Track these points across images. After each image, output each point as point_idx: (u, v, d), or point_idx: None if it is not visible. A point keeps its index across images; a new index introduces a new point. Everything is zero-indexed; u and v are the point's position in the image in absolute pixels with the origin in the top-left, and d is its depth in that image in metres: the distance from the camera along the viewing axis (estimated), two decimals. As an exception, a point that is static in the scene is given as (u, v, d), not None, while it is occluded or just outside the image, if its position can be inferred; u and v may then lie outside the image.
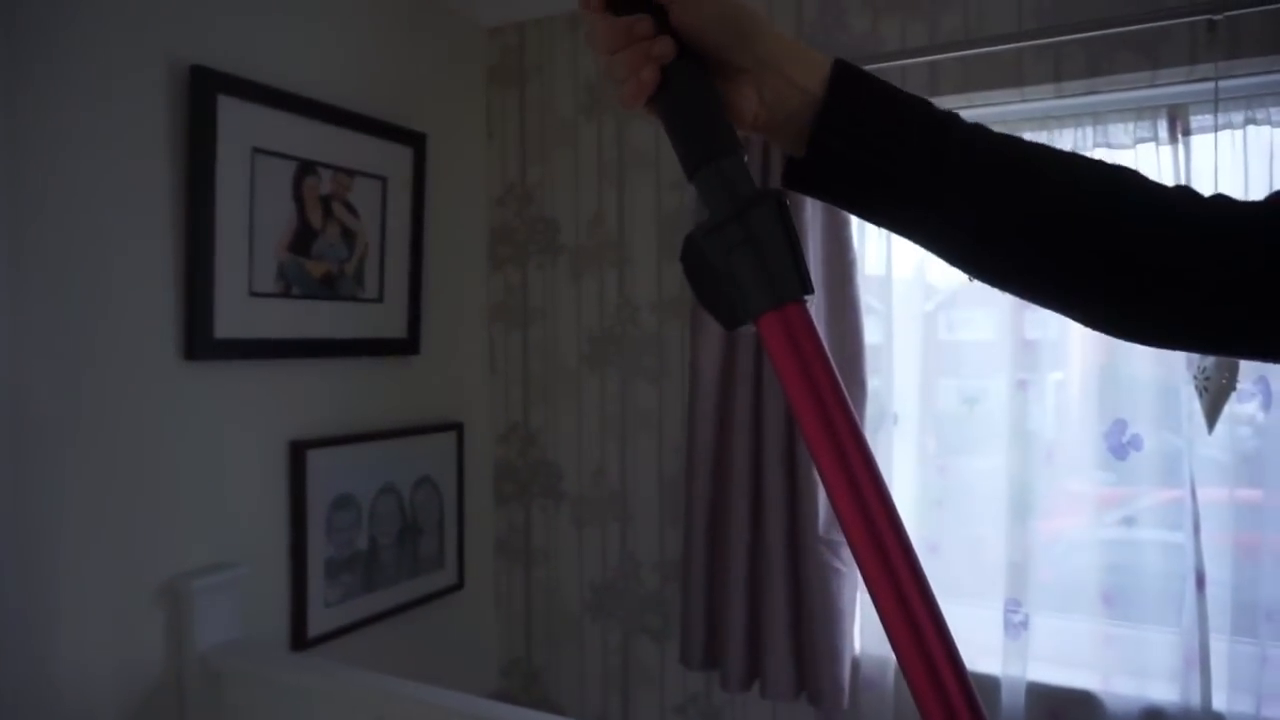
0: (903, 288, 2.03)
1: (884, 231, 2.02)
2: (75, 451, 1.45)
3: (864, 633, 1.98)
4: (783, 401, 1.87)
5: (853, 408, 0.51)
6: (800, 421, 0.52)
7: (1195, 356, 1.64)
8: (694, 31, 0.57)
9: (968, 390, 2.01)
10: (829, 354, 0.52)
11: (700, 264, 0.54)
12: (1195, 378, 1.62)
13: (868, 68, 1.73)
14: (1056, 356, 1.92)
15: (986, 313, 2.00)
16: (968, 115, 1.82)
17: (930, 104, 0.61)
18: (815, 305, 1.87)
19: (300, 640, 1.83)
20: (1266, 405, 1.72)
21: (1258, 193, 1.70)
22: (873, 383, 1.94)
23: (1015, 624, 1.86)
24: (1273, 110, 1.71)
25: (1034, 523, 1.88)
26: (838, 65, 0.59)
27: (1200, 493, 1.73)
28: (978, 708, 0.46)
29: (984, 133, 0.60)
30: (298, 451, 1.82)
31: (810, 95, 0.59)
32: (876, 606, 0.48)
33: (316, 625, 1.87)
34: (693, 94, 0.57)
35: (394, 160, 2.04)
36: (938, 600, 0.48)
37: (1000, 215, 0.59)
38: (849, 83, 0.59)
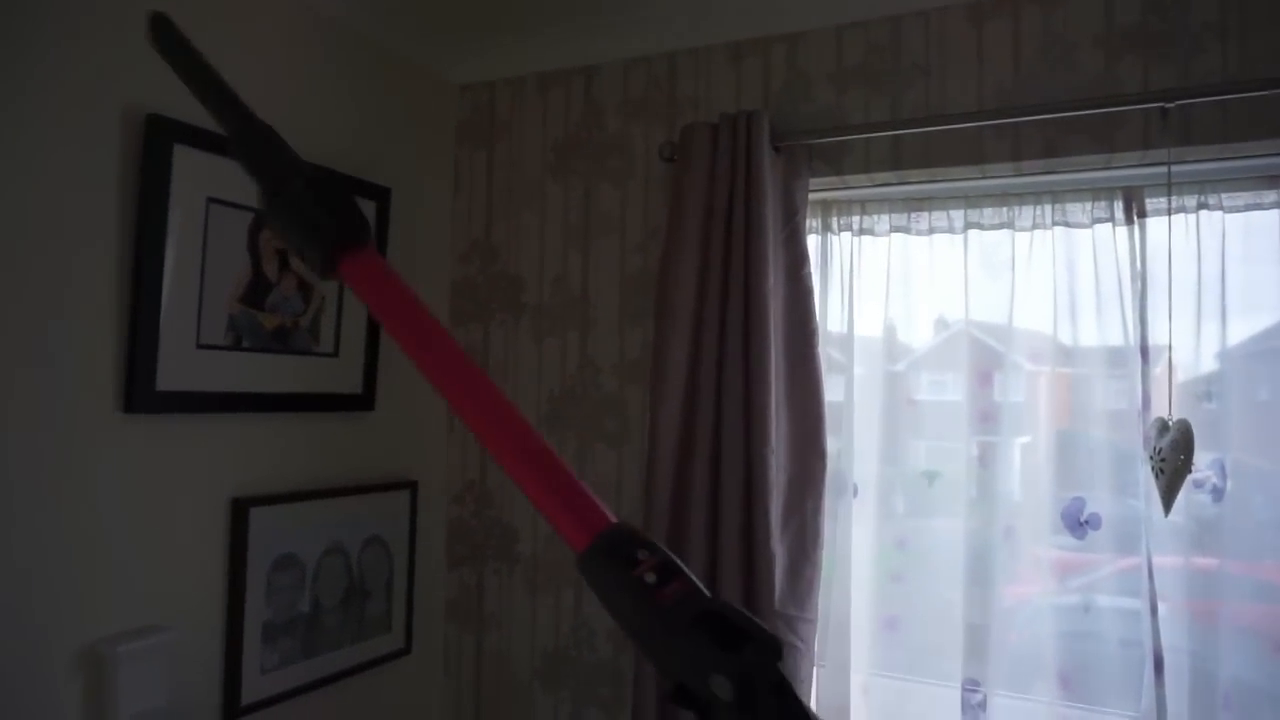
0: (865, 347, 2.03)
1: (846, 290, 2.03)
2: (-2, 507, 1.38)
3: (820, 710, 1.93)
4: (742, 473, 1.84)
5: (433, 320, 0.62)
6: (388, 327, 0.62)
7: (1152, 435, 1.64)
8: None
9: (929, 456, 2.00)
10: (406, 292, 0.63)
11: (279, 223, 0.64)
12: (1151, 458, 1.62)
13: (834, 140, 1.74)
14: (1019, 422, 1.91)
15: (952, 376, 1.99)
16: (930, 190, 1.84)
17: None
18: (777, 375, 1.86)
19: (232, 709, 1.74)
20: (1222, 485, 1.72)
21: (1209, 275, 1.74)
22: (833, 446, 1.92)
23: (974, 705, 1.82)
24: (1224, 195, 1.74)
25: (994, 601, 1.86)
26: None
27: (1157, 560, 1.72)
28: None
29: None
30: (239, 509, 1.75)
31: None
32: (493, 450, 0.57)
33: (251, 692, 1.78)
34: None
35: (356, 214, 2.01)
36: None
37: None
38: None
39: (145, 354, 1.55)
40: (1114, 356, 1.83)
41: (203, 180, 1.64)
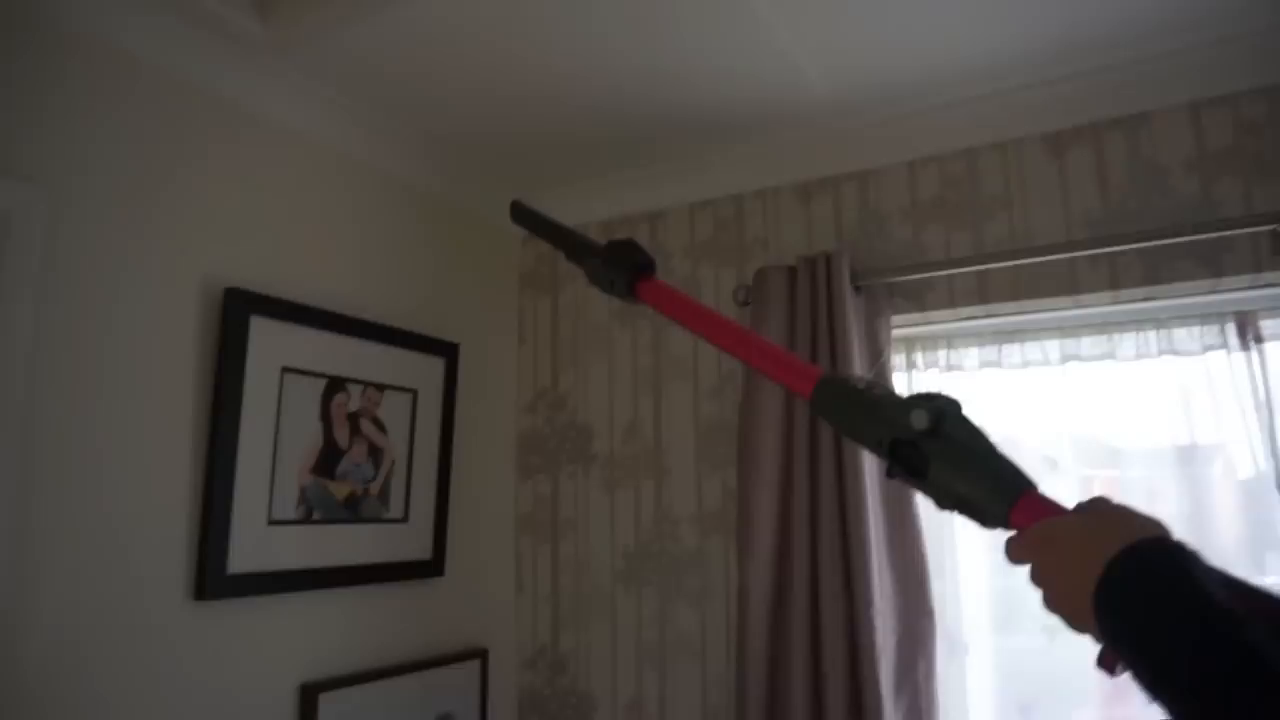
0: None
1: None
2: (61, 700, 1.27)
3: None
4: (845, 636, 1.68)
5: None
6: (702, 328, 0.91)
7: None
8: None
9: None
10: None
11: None
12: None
13: (913, 277, 1.66)
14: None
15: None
16: (1021, 321, 1.73)
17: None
18: (875, 525, 1.73)
19: None
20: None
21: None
22: (937, 599, 1.76)
23: None
24: (1349, 316, 1.63)
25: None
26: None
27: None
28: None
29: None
30: (309, 697, 1.63)
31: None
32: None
33: None
34: None
35: (425, 372, 1.97)
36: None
37: None
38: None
39: (218, 537, 1.47)
40: (1244, 491, 1.68)
41: (278, 350, 1.61)
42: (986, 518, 0.66)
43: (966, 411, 0.71)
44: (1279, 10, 1.56)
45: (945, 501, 0.68)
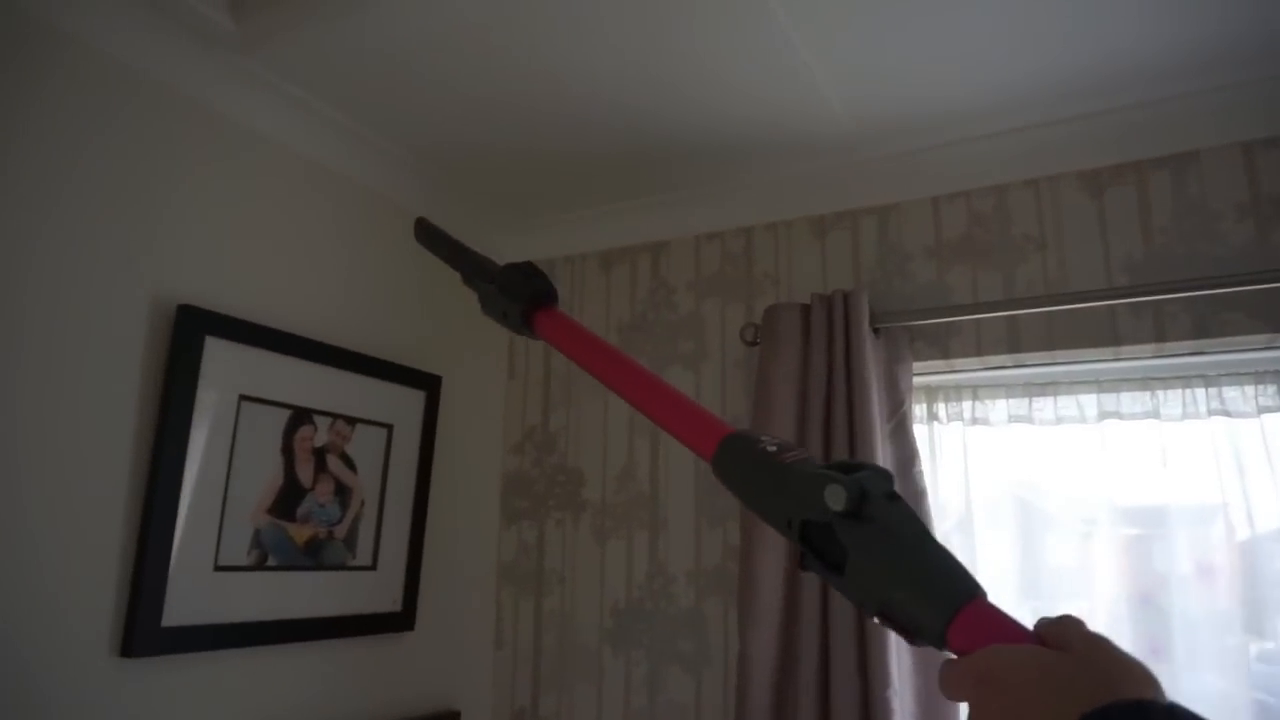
0: (988, 554, 1.73)
1: (964, 489, 1.76)
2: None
3: None
4: (853, 713, 1.50)
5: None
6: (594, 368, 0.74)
7: None
8: None
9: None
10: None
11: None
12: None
13: (936, 321, 1.51)
14: (1193, 651, 1.58)
15: (1103, 589, 1.68)
16: (1054, 373, 1.57)
17: None
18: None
19: None
20: None
21: None
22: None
23: None
24: None
25: None
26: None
27: None
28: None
29: None
30: (250, 769, 1.44)
31: None
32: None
33: None
34: None
35: (403, 405, 1.81)
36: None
37: None
38: None
39: (153, 584, 1.29)
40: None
41: (236, 376, 1.45)
42: (917, 632, 0.50)
43: (897, 489, 0.54)
44: (1340, 47, 1.44)
45: (869, 606, 0.52)
